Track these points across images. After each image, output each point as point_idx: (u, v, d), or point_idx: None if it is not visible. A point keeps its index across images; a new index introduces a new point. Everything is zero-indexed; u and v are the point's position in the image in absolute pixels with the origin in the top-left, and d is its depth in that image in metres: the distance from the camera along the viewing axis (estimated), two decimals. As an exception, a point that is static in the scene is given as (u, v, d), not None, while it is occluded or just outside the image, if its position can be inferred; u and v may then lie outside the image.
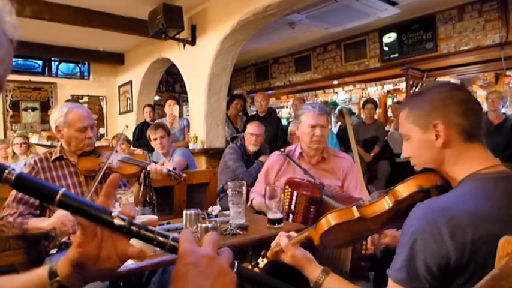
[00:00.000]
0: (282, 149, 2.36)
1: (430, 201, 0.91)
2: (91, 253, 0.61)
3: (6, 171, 0.54)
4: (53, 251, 1.89)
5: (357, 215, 1.06)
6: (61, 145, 2.07)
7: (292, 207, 1.78)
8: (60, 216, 1.73)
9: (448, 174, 1.00)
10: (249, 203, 2.34)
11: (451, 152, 0.98)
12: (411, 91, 6.18)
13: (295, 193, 1.83)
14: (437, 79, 6.45)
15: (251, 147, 3.45)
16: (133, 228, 0.58)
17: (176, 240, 0.57)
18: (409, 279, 0.87)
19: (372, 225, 1.10)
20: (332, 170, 2.24)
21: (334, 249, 1.60)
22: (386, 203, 1.04)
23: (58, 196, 0.56)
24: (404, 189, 1.01)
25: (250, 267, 1.18)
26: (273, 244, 1.23)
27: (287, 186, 1.88)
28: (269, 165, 2.34)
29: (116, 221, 0.58)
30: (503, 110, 4.48)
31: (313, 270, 1.12)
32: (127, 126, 2.37)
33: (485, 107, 4.60)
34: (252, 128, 3.44)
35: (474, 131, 0.97)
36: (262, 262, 1.19)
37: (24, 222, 1.84)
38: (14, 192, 1.89)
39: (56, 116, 2.01)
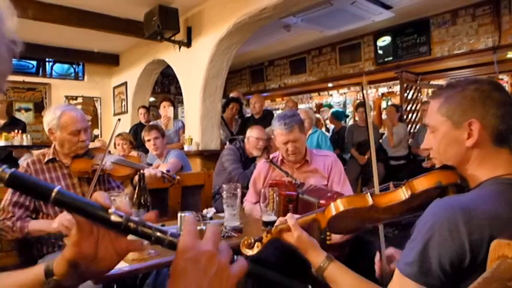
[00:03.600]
0: (267, 157, 2.41)
1: (450, 199, 0.90)
2: (88, 251, 0.61)
3: (0, 169, 0.54)
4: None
5: (370, 202, 1.03)
6: (54, 147, 2.06)
7: (276, 208, 1.81)
8: (63, 220, 1.72)
9: (469, 173, 0.98)
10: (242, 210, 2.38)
11: (478, 153, 0.95)
12: (405, 94, 6.23)
13: (276, 193, 1.87)
14: (430, 82, 6.51)
15: (255, 152, 3.43)
16: (131, 224, 0.57)
17: (175, 236, 0.56)
18: (421, 274, 0.85)
19: (381, 216, 1.07)
20: (316, 170, 2.28)
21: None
22: (402, 194, 1.01)
23: (53, 194, 0.56)
24: (422, 183, 0.99)
25: (252, 241, 1.16)
26: (277, 222, 1.21)
27: (270, 188, 1.92)
28: (256, 174, 2.42)
29: (113, 218, 0.57)
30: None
31: (317, 255, 1.10)
32: (119, 120, 2.33)
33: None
34: (257, 133, 3.43)
35: (506, 136, 0.95)
36: (265, 237, 1.16)
37: (25, 226, 1.84)
38: (8, 195, 1.88)
39: (49, 118, 1.99)
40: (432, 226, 0.85)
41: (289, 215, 1.17)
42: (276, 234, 1.16)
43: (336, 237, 1.63)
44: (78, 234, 0.61)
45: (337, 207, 1.08)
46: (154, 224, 0.60)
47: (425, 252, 0.85)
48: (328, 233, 1.63)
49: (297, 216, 1.19)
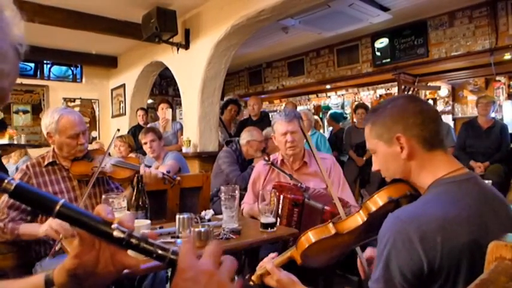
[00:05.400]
0: (267, 158, 2.39)
1: (399, 211, 0.93)
2: (88, 264, 0.61)
3: (6, 180, 0.54)
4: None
5: (333, 231, 1.09)
6: (53, 150, 2.05)
7: (279, 211, 1.80)
8: (53, 224, 1.70)
9: (416, 184, 1.03)
10: (240, 213, 2.36)
11: (415, 162, 1.01)
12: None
13: (281, 196, 1.85)
14: (428, 84, 6.53)
15: (259, 153, 3.43)
16: (133, 240, 0.58)
17: (176, 253, 0.56)
18: None
19: (350, 239, 1.12)
20: (315, 173, 2.26)
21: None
22: (360, 217, 1.07)
23: (57, 207, 0.56)
24: (375, 202, 1.05)
25: None
26: (258, 267, 1.25)
27: (274, 190, 1.91)
28: (255, 175, 2.39)
29: (116, 233, 0.58)
30: (492, 115, 4.56)
31: None
32: (118, 130, 2.36)
33: (475, 111, 4.67)
34: (258, 135, 3.43)
35: (434, 139, 1.01)
36: None
37: (16, 227, 1.82)
38: (6, 197, 1.87)
39: (47, 121, 1.98)
40: (387, 241, 0.89)
41: (266, 259, 1.23)
42: (257, 281, 1.22)
43: None
44: (80, 247, 0.61)
45: (307, 240, 1.13)
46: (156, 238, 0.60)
47: (386, 267, 0.89)
48: None
49: (274, 255, 1.25)
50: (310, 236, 1.12)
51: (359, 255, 1.29)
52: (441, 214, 0.88)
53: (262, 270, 1.21)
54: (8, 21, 0.51)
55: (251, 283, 1.21)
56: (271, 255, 1.26)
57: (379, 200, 1.04)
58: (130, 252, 0.61)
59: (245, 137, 3.47)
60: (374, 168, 1.13)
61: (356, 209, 1.12)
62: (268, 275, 1.19)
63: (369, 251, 1.33)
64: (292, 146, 2.21)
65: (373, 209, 1.04)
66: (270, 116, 5.72)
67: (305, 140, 2.24)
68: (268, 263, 1.20)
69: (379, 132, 1.06)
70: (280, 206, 1.88)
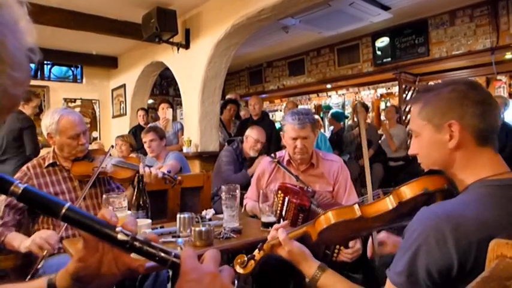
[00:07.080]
0: (273, 155, 2.34)
1: (436, 206, 0.88)
2: (92, 267, 0.62)
3: (14, 184, 0.55)
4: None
5: (358, 214, 1.03)
6: (54, 150, 2.05)
7: (283, 213, 1.78)
8: (37, 239, 1.66)
9: (457, 177, 0.96)
10: (243, 209, 2.34)
11: (462, 154, 0.94)
12: (403, 95, 6.24)
13: (286, 199, 1.83)
14: (429, 83, 6.52)
15: (252, 153, 3.40)
16: (136, 243, 0.59)
17: (178, 257, 0.57)
18: (409, 284, 0.85)
19: (372, 225, 1.08)
20: (322, 175, 2.21)
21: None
22: (389, 203, 1.01)
23: (63, 210, 0.57)
24: (409, 191, 0.98)
25: (245, 259, 1.17)
26: (269, 237, 1.21)
27: (279, 191, 1.88)
28: (260, 171, 2.34)
29: (120, 236, 0.59)
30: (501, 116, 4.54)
31: (310, 267, 1.10)
32: (112, 147, 2.34)
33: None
34: (257, 134, 3.41)
35: (489, 135, 0.94)
36: (258, 254, 1.18)
37: (4, 233, 1.79)
38: (3, 196, 1.86)
39: (47, 122, 1.97)
40: (419, 236, 0.84)
41: (280, 230, 1.18)
42: (268, 251, 1.18)
43: (344, 256, 1.64)
44: (84, 250, 0.62)
45: (327, 220, 1.09)
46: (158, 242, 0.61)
47: (413, 262, 0.84)
48: (336, 250, 1.63)
49: (285, 223, 1.23)
50: (331, 217, 1.08)
51: (372, 234, 1.26)
52: (481, 218, 0.83)
53: (275, 240, 1.17)
54: (23, 31, 0.52)
55: (262, 252, 1.17)
56: (284, 223, 1.23)
57: (413, 189, 0.97)
58: (132, 254, 0.62)
59: (246, 132, 3.48)
60: (411, 151, 1.05)
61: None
62: (280, 246, 1.15)
63: (383, 234, 1.30)
64: (301, 151, 2.14)
65: (406, 197, 0.98)
66: (271, 116, 5.71)
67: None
68: (282, 233, 1.15)
69: (430, 115, 0.97)
70: (285, 209, 1.85)
